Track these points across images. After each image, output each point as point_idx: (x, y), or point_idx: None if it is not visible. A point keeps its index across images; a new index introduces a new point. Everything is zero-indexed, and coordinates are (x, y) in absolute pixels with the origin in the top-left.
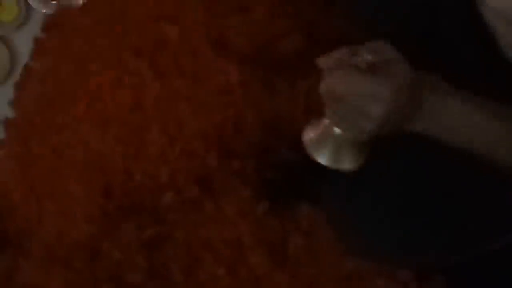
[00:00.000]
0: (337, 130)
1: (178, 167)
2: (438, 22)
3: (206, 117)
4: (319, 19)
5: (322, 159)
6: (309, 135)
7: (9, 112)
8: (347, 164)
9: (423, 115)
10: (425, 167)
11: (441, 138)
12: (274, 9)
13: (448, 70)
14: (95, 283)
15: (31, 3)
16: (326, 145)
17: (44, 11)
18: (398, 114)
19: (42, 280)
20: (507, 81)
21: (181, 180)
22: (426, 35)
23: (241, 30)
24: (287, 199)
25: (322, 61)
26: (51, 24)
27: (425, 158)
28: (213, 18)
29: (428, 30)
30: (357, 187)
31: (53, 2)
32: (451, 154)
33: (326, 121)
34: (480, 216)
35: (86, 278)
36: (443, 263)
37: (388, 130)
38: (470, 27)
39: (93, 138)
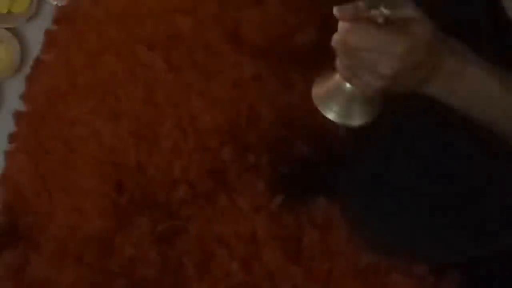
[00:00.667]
0: (347, 85)
1: (191, 161)
2: (458, 13)
3: (219, 111)
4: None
5: (331, 114)
6: (319, 89)
7: (20, 105)
8: (357, 120)
9: (439, 77)
10: (446, 163)
11: (454, 105)
12: (289, 2)
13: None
14: (107, 278)
15: None
16: (336, 100)
17: (56, 2)
18: (411, 73)
19: (54, 275)
20: None
21: (194, 174)
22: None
23: (255, 23)
24: (302, 193)
25: (338, 10)
26: (62, 16)
27: (445, 153)
28: (227, 11)
29: (445, 23)
30: (376, 182)
31: None
32: (474, 147)
33: (336, 76)
34: (499, 212)
35: (98, 273)
36: (461, 258)
37: (400, 88)
38: (491, 20)
39: (106, 132)
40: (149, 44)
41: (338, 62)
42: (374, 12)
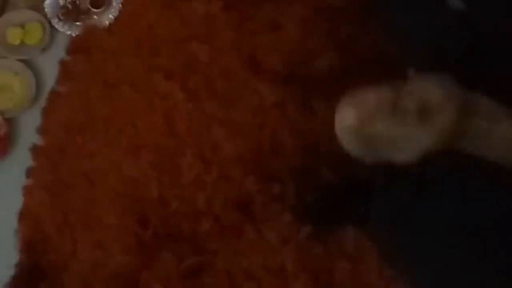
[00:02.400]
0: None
1: (215, 192)
2: (478, 36)
3: (241, 140)
4: (354, 36)
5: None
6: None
7: (37, 139)
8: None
9: (465, 139)
10: (476, 206)
11: (488, 158)
12: (308, 26)
13: (490, 83)
14: None
15: (55, 25)
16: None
17: (69, 33)
18: (435, 150)
19: None
20: None
21: (219, 206)
22: (467, 49)
23: (273, 49)
24: (330, 223)
25: (360, 98)
26: (76, 46)
27: (476, 197)
28: (244, 37)
29: (468, 44)
30: (407, 216)
31: (78, 23)
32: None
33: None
34: None
35: None
36: None
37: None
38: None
39: (126, 165)
40: (166, 73)
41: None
42: (401, 100)
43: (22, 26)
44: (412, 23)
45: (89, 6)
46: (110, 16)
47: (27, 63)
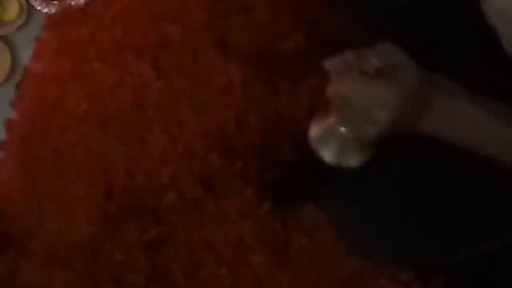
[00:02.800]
0: (342, 128)
1: (179, 167)
2: (440, 21)
3: (207, 117)
4: (321, 18)
5: (327, 155)
6: (315, 131)
7: (10, 113)
8: (352, 161)
9: (429, 116)
10: (427, 166)
11: (447, 139)
12: (276, 9)
13: (451, 70)
14: (96, 283)
15: (32, 3)
16: (331, 142)
17: (46, 11)
18: (404, 117)
19: (43, 281)
20: (510, 81)
21: (182, 180)
22: (428, 34)
23: (243, 30)
24: (290, 200)
25: (329, 64)
26: (52, 24)
27: (426, 157)
28: (215, 18)
29: (430, 30)
30: (359, 187)
31: (55, 2)
32: (453, 153)
33: (331, 119)
34: (481, 216)
35: (87, 279)
36: (444, 263)
37: (394, 131)
38: (472, 27)
39: (95, 139)
40: (138, 51)
41: (332, 110)
42: (363, 63)
43: None
44: (374, 9)
45: None
46: None
47: (3, 39)
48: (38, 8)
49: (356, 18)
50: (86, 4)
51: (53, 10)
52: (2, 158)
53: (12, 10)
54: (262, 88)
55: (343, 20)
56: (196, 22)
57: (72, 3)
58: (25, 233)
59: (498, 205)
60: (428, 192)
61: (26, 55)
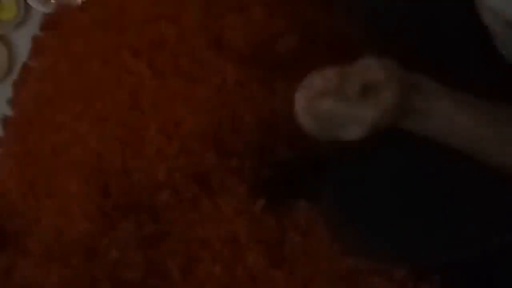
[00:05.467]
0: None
1: (175, 165)
2: (437, 21)
3: (203, 116)
4: (316, 19)
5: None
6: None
7: (7, 111)
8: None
9: (409, 117)
10: (424, 166)
11: (430, 137)
12: (272, 9)
13: (446, 70)
14: (93, 281)
15: (30, 2)
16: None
17: (43, 10)
18: (383, 126)
19: (40, 278)
20: (505, 80)
21: (178, 178)
22: (425, 34)
23: (238, 30)
24: (284, 198)
25: (309, 81)
26: (49, 23)
27: (423, 157)
28: (211, 18)
29: (426, 30)
30: (354, 186)
31: (52, 1)
32: (449, 153)
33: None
34: (478, 216)
35: (83, 276)
36: (439, 262)
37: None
38: (469, 27)
39: (91, 137)
40: (134, 50)
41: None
42: (344, 83)
43: None
44: (371, 9)
45: None
46: None
47: (1, 38)
48: (35, 7)
49: (353, 18)
50: (83, 3)
51: (50, 9)
52: None
53: (10, 9)
54: (257, 88)
55: (339, 20)
56: (192, 22)
57: (70, 2)
58: (22, 230)
59: (495, 205)
60: (427, 191)
61: (23, 54)
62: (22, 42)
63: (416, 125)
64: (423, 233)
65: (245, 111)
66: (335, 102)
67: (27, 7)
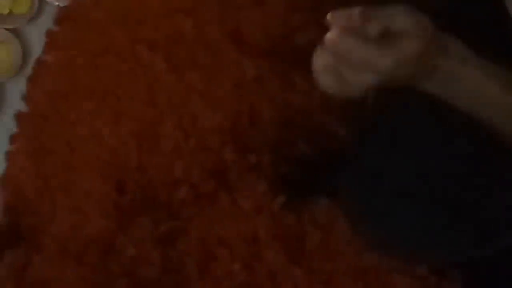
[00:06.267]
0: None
1: (192, 161)
2: (462, 14)
3: (221, 111)
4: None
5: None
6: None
7: (21, 106)
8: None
9: (434, 78)
10: (446, 161)
11: (450, 101)
12: (290, 2)
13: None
14: (109, 278)
15: None
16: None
17: (57, 3)
18: (400, 79)
19: (55, 275)
20: None
21: (195, 174)
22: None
23: (256, 23)
24: (304, 194)
25: (332, 17)
26: (64, 17)
27: (447, 148)
28: (228, 11)
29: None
30: (378, 181)
31: None
32: (475, 146)
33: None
34: (499, 213)
35: (99, 273)
36: (463, 259)
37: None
38: (494, 20)
39: (107, 132)
40: (149, 44)
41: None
42: (367, 26)
43: None
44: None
45: None
46: None
47: (15, 32)
48: (49, 0)
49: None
50: None
51: (65, 3)
52: (13, 152)
53: (24, 3)
54: (276, 82)
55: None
56: (209, 15)
57: None
58: (37, 227)
59: None
60: (452, 183)
61: (37, 48)
62: (36, 36)
63: (440, 88)
64: (447, 228)
65: (263, 106)
66: (355, 42)
67: (41, 1)
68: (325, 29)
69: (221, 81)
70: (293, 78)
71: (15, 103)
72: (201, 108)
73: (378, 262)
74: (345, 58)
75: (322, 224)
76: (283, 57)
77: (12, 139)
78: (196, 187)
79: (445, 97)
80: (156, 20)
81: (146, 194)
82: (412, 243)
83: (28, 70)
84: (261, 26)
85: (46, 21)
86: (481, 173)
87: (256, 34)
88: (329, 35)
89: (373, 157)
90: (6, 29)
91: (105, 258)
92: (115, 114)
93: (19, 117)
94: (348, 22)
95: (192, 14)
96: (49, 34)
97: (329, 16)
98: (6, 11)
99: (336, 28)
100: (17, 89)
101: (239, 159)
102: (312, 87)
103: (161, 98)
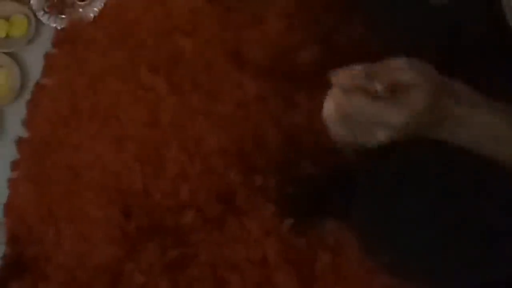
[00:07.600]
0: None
1: (198, 184)
2: (461, 26)
3: (224, 132)
4: (337, 28)
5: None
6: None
7: (22, 132)
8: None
9: (445, 126)
10: (461, 180)
11: (466, 146)
12: (290, 20)
13: (473, 74)
14: None
15: (41, 18)
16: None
17: (55, 25)
18: (412, 131)
19: None
20: None
21: (202, 198)
22: (449, 40)
23: (256, 42)
24: (312, 215)
25: (335, 77)
26: (61, 39)
27: (460, 170)
28: (227, 31)
29: (451, 35)
30: (386, 201)
31: (63, 16)
32: (482, 164)
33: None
34: None
35: None
36: (475, 284)
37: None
38: (494, 30)
39: (110, 157)
40: (150, 66)
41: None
42: (372, 82)
43: (7, 18)
44: (393, 17)
45: None
46: (95, 9)
47: (12, 55)
48: (47, 23)
49: (375, 27)
50: (95, 17)
51: (62, 25)
52: (14, 178)
53: (21, 26)
54: (278, 101)
55: (360, 29)
56: (209, 35)
57: (81, 17)
58: (42, 256)
59: None
60: (465, 207)
61: (36, 71)
62: (34, 59)
63: (452, 133)
64: (460, 253)
65: (267, 126)
66: (364, 101)
67: (38, 23)
68: (325, 47)
69: (223, 101)
70: (295, 96)
71: (16, 128)
72: (205, 130)
73: (389, 284)
74: (355, 117)
75: (332, 246)
76: (284, 76)
77: (13, 165)
78: (203, 211)
79: (455, 141)
80: (156, 41)
81: (153, 219)
82: (426, 266)
83: (27, 94)
84: (261, 45)
85: (43, 44)
86: (493, 202)
87: (257, 53)
88: (336, 99)
89: (384, 177)
90: (4, 53)
91: (113, 287)
92: (117, 138)
93: (20, 143)
94: (352, 81)
95: (192, 35)
96: (48, 57)
97: (331, 76)
98: (3, 35)
99: (341, 88)
100: (17, 114)
101: (245, 181)
102: (314, 105)
103: (163, 120)
